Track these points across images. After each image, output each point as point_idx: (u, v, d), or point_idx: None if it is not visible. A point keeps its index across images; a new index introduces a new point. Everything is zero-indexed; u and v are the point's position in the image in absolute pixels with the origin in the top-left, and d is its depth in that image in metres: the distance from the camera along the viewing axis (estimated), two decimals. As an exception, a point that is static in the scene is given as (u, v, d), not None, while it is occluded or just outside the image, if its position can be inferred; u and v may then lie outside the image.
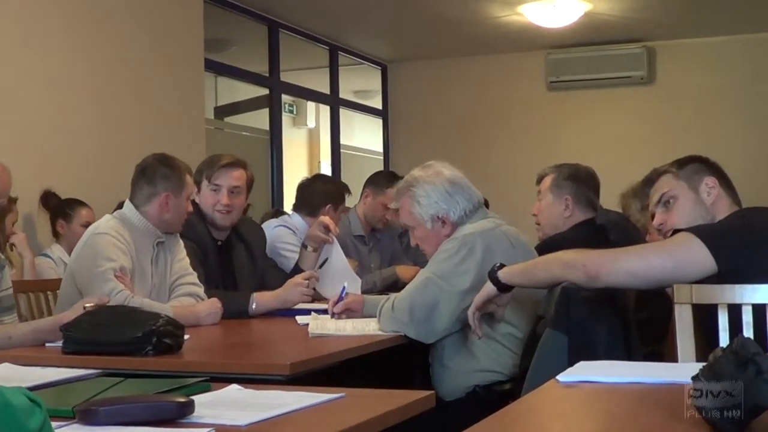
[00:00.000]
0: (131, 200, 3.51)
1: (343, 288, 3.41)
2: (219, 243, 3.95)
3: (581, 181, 3.88)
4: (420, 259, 5.01)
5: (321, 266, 3.98)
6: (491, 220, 3.19)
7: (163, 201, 3.46)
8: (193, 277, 3.59)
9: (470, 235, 3.06)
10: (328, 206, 4.59)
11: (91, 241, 3.36)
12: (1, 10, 4.91)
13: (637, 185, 4.13)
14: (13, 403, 1.13)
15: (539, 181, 3.97)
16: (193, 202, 3.95)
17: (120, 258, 3.29)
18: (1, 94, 4.87)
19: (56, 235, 4.95)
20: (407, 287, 3.09)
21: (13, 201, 4.53)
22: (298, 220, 4.69)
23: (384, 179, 5.23)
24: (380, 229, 5.22)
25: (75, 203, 4.96)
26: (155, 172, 3.49)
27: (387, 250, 5.26)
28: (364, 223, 5.14)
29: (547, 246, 3.42)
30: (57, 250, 4.85)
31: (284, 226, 4.62)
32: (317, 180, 4.98)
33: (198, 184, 3.88)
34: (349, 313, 3.34)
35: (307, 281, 3.71)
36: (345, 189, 4.96)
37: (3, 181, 4.26)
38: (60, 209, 4.96)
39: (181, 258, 3.61)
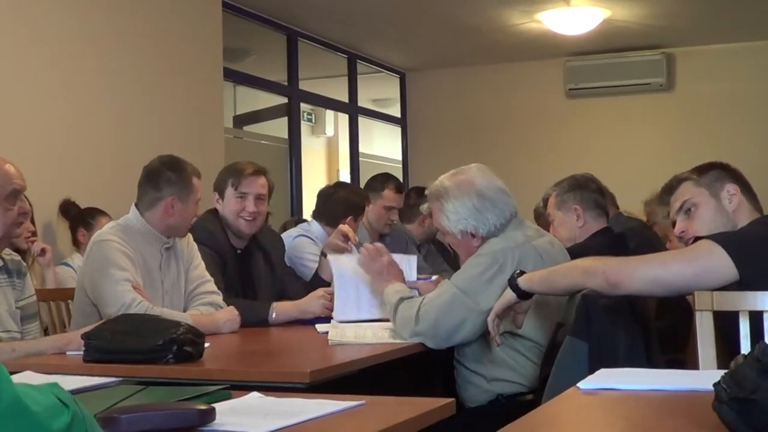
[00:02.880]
0: (136, 205, 3.48)
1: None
2: (238, 251, 3.96)
3: (583, 187, 3.88)
4: (438, 268, 5.01)
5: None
6: (522, 233, 3.11)
7: (169, 205, 3.42)
8: (211, 284, 3.58)
9: (501, 252, 3.00)
10: (349, 218, 4.58)
11: (97, 249, 3.32)
12: (20, 20, 4.95)
13: (660, 192, 4.12)
14: (30, 407, 1.11)
15: (545, 206, 3.98)
16: (214, 210, 3.96)
17: (128, 266, 3.28)
18: (21, 105, 4.91)
19: (77, 244, 4.97)
20: (433, 302, 3.01)
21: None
22: (317, 229, 4.67)
23: (379, 183, 5.23)
24: (388, 234, 5.20)
25: (96, 212, 4.98)
26: (160, 176, 3.45)
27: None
28: (371, 231, 5.13)
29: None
30: (77, 259, 4.87)
31: (304, 235, 4.61)
32: (339, 189, 4.90)
33: (221, 191, 3.88)
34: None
35: (330, 295, 3.70)
36: (366, 199, 4.94)
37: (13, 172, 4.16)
38: (81, 218, 4.98)
39: (197, 264, 3.59)
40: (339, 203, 4.69)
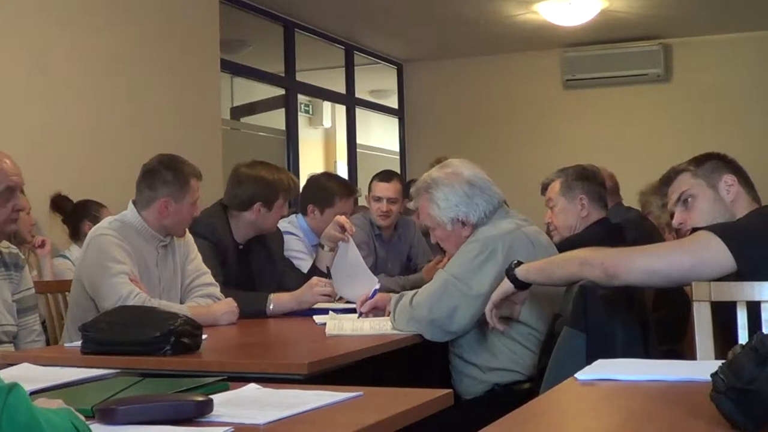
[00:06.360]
0: (134, 202, 3.46)
1: (375, 290, 3.40)
2: (240, 246, 3.95)
3: (591, 179, 3.88)
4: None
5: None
6: (512, 221, 3.14)
7: (162, 206, 3.39)
8: (208, 276, 3.58)
9: (491, 238, 3.02)
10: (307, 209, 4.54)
11: (94, 243, 3.30)
12: (14, 10, 4.93)
13: (656, 183, 4.12)
14: (44, 428, 1.15)
15: (545, 189, 3.96)
16: (221, 204, 3.93)
17: (126, 260, 3.26)
18: (13, 98, 4.89)
19: (79, 236, 4.94)
20: (427, 290, 3.05)
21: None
22: (302, 223, 4.59)
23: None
24: (387, 227, 5.08)
25: (99, 206, 4.97)
26: (156, 175, 3.42)
27: (404, 249, 5.19)
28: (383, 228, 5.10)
29: (563, 247, 3.40)
30: (76, 251, 4.86)
31: (289, 233, 4.53)
32: (327, 178, 4.74)
33: (268, 204, 3.88)
34: (376, 311, 3.32)
35: (324, 282, 3.72)
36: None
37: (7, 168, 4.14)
38: (86, 210, 4.95)
39: (193, 258, 3.58)
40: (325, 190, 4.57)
